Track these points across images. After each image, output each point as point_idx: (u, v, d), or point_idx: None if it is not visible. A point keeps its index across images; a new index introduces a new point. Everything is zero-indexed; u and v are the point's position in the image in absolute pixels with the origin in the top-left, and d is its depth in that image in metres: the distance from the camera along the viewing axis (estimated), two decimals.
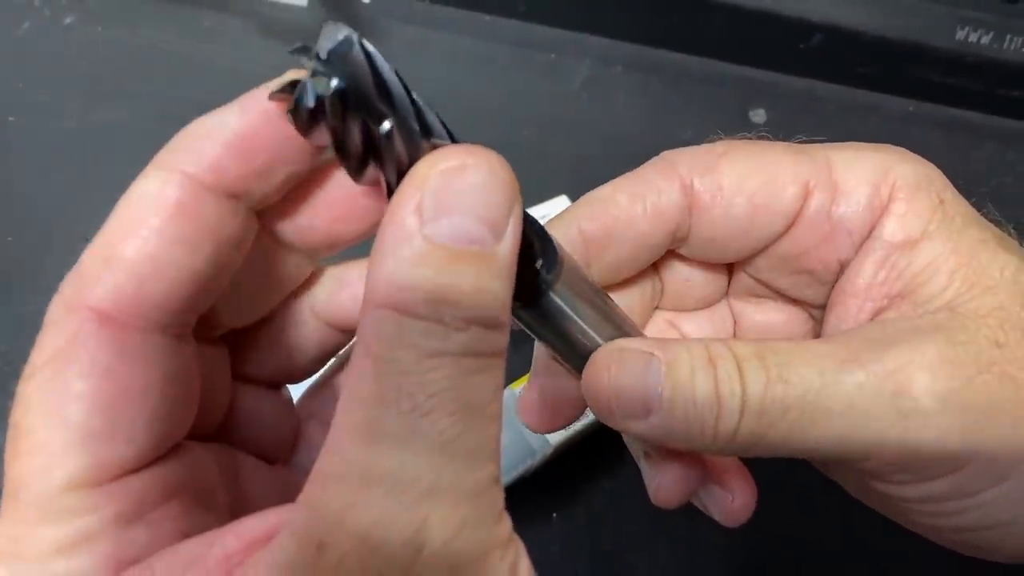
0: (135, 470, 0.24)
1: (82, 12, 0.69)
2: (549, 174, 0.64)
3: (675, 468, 0.33)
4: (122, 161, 0.62)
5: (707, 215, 0.31)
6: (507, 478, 0.48)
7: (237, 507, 0.28)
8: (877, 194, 0.30)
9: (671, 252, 0.33)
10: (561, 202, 0.60)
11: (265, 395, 0.31)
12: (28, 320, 0.55)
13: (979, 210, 0.31)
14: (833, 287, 0.32)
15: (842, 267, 0.31)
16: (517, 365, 0.39)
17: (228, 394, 0.30)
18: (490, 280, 0.22)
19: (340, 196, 0.27)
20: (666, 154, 0.32)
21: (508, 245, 0.22)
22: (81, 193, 0.61)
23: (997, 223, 0.31)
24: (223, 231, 0.25)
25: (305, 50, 0.23)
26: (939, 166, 0.32)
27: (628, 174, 0.32)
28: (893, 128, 0.72)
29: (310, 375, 0.33)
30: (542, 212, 0.58)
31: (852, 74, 0.72)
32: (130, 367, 0.24)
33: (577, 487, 0.53)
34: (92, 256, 0.24)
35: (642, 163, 0.33)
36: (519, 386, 0.50)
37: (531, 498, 0.52)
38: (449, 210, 0.21)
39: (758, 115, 0.71)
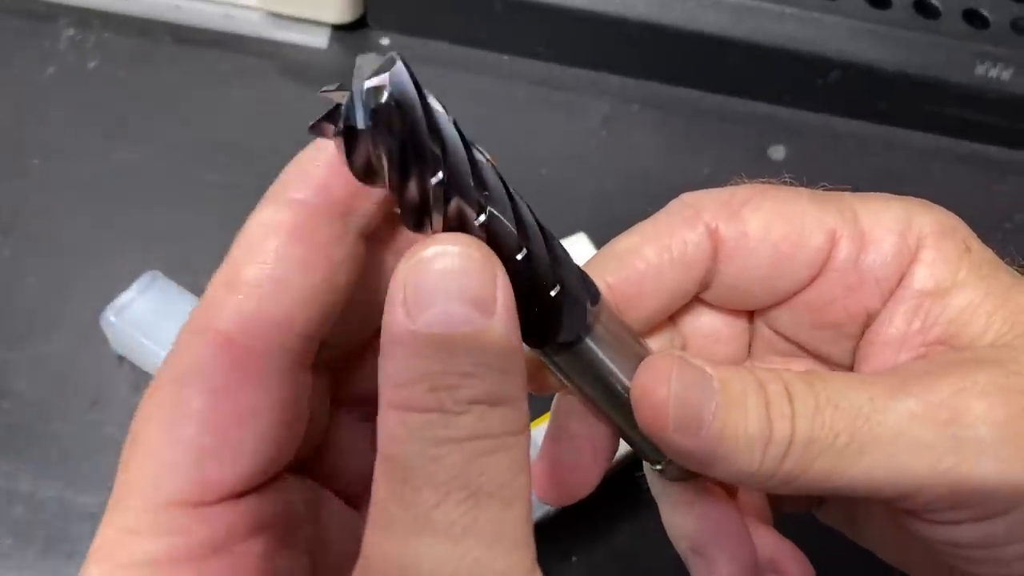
0: (233, 497, 0.24)
1: (105, 56, 0.70)
2: (568, 212, 0.64)
3: (726, 563, 0.32)
4: (144, 202, 0.63)
5: (731, 262, 0.30)
6: None
7: (315, 546, 0.28)
8: (904, 243, 0.30)
9: (693, 302, 0.33)
10: (580, 240, 0.60)
11: (357, 426, 0.31)
12: (51, 362, 0.55)
13: (1002, 256, 0.31)
14: (859, 341, 0.31)
15: (869, 319, 0.30)
16: (535, 406, 0.38)
17: (325, 424, 0.30)
18: (488, 357, 0.22)
19: None
20: (686, 198, 0.31)
21: (502, 318, 0.22)
22: (104, 234, 0.61)
23: (1021, 269, 0.31)
24: (336, 252, 0.25)
25: (341, 88, 0.23)
26: (961, 201, 0.32)
27: (648, 221, 0.31)
28: (913, 163, 0.71)
29: None
30: None
31: (872, 110, 0.72)
32: (246, 390, 0.24)
33: (597, 529, 0.52)
34: (215, 284, 0.25)
35: (661, 201, 0.32)
36: (535, 427, 0.50)
37: (550, 541, 0.51)
38: (431, 300, 0.22)
39: (777, 152, 0.71)
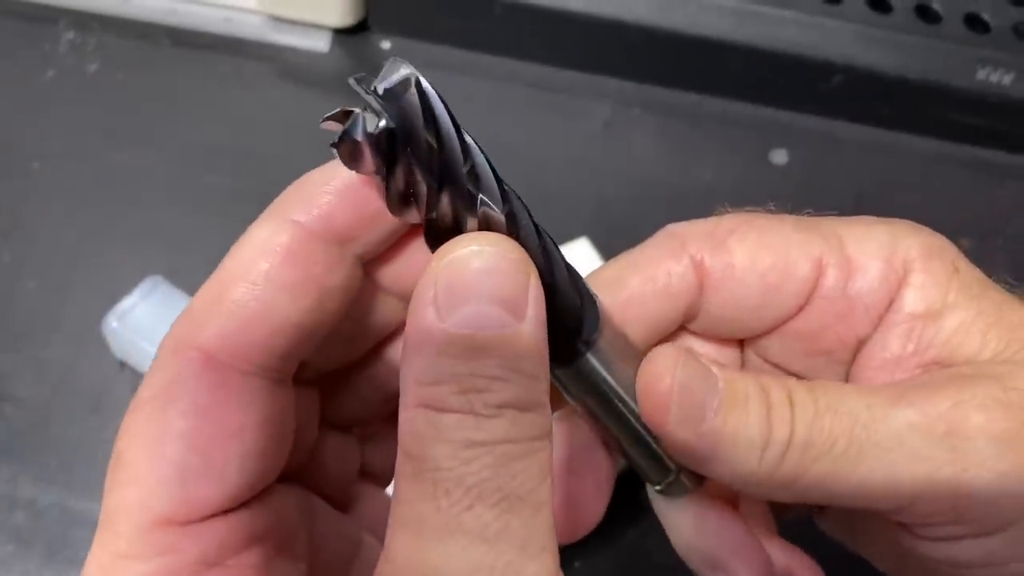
0: (223, 512, 0.24)
1: (105, 59, 0.70)
2: (570, 217, 0.64)
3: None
4: (145, 206, 0.63)
5: (718, 294, 0.30)
6: None
7: (311, 552, 0.29)
8: (892, 268, 0.29)
9: (681, 331, 0.32)
10: (582, 244, 0.59)
11: (339, 437, 0.31)
12: (52, 367, 0.55)
13: (994, 265, 0.31)
14: (851, 367, 0.31)
15: (859, 345, 0.30)
16: None
17: (314, 437, 0.30)
18: (518, 361, 0.22)
19: None
20: (672, 229, 0.31)
21: (532, 323, 0.22)
22: (103, 238, 0.61)
23: (1008, 286, 0.31)
24: (329, 279, 0.25)
25: (365, 80, 0.23)
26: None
27: (633, 251, 0.31)
28: (915, 168, 0.71)
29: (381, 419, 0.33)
30: None
31: (873, 114, 0.72)
32: (228, 409, 0.24)
33: (600, 535, 0.52)
34: (202, 298, 0.25)
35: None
36: None
37: None
38: (463, 299, 0.22)
39: (779, 156, 0.71)
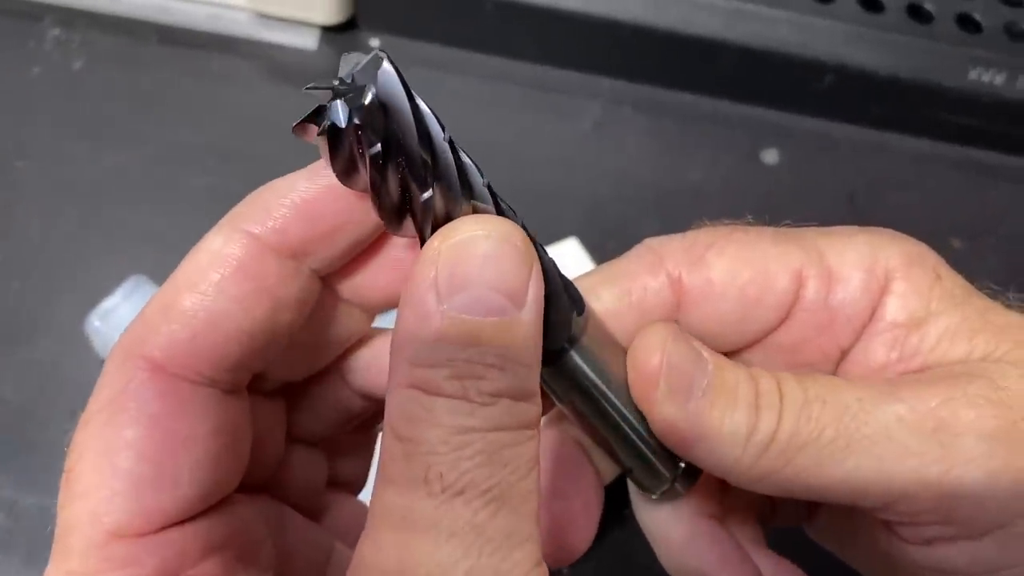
0: (180, 522, 0.24)
1: (91, 56, 0.69)
2: (560, 216, 0.64)
3: None
4: (130, 205, 0.62)
5: (698, 309, 0.30)
6: None
7: (279, 561, 0.28)
8: (874, 277, 0.29)
9: None
10: (571, 245, 0.59)
11: (307, 448, 0.31)
12: (34, 367, 0.54)
13: (980, 266, 0.30)
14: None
15: (843, 356, 0.30)
16: None
17: (281, 448, 0.30)
18: (515, 350, 0.22)
19: (401, 255, 0.27)
20: (650, 243, 0.31)
21: (531, 312, 0.22)
22: (89, 238, 0.61)
23: (989, 292, 0.30)
24: (283, 292, 0.25)
25: (323, 88, 0.22)
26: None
27: (611, 264, 0.31)
28: (906, 168, 0.71)
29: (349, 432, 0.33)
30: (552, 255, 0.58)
31: (865, 114, 0.72)
32: (179, 418, 0.24)
33: None
34: (152, 307, 0.24)
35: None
36: None
37: None
38: (465, 284, 0.21)
39: (770, 155, 0.70)
